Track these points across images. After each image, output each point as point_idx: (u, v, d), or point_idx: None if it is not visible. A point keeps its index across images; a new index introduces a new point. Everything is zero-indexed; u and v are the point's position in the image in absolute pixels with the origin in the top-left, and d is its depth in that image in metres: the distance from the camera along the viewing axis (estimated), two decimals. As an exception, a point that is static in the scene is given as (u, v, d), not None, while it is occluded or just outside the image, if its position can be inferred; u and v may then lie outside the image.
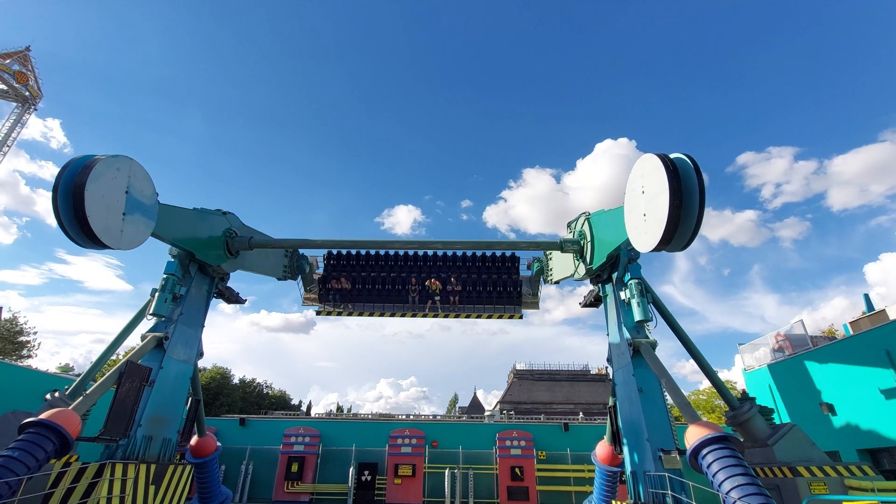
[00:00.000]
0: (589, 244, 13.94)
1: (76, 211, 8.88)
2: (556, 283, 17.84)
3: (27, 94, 53.64)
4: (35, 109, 55.58)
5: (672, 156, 8.52)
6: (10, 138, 52.45)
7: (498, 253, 19.96)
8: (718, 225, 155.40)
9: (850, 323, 17.86)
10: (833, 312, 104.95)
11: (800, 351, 18.51)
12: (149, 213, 10.95)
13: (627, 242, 12.95)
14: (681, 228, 8.28)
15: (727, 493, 7.95)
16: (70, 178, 8.99)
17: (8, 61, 51.75)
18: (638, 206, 9.35)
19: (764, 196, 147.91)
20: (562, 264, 16.85)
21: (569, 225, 15.49)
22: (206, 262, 14.19)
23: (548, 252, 18.07)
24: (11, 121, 53.00)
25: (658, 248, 8.81)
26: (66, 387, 13.43)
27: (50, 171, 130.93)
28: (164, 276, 13.09)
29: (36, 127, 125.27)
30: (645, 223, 8.99)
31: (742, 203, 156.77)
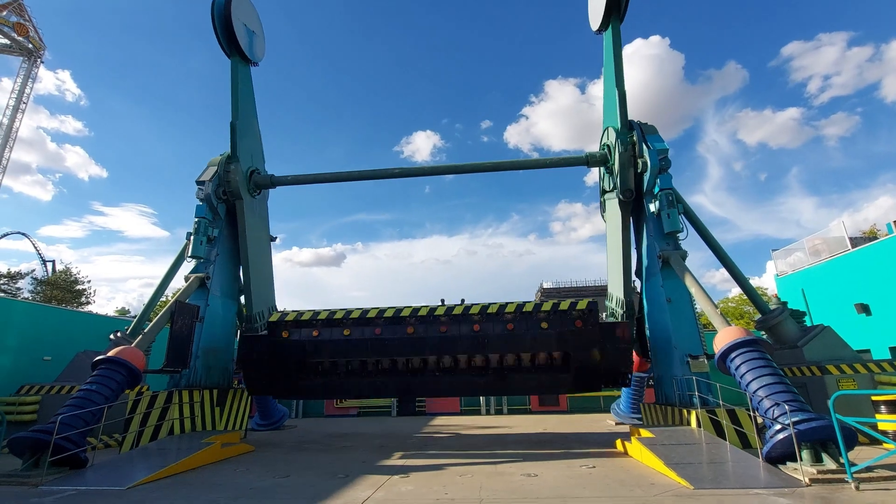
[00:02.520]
0: (616, 142, 13.48)
1: (226, 18, 14.83)
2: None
3: (30, 46, 52.62)
4: (42, 62, 54.79)
5: None
6: (25, 94, 52.43)
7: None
8: (756, 127, 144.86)
9: (895, 221, 17.00)
10: (877, 213, 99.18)
11: (838, 253, 17.98)
12: (254, 52, 16.33)
13: (658, 152, 12.46)
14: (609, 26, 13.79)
15: (754, 392, 8.21)
16: (222, 5, 14.85)
17: (4, 13, 50.24)
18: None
19: (810, 91, 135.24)
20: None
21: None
22: (236, 157, 14.70)
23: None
24: (22, 76, 52.65)
25: (605, 19, 13.88)
26: (126, 327, 14.62)
27: (72, 126, 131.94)
28: (196, 219, 13.56)
29: (49, 80, 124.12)
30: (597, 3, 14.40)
31: (785, 101, 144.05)
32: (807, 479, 6.48)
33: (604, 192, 15.40)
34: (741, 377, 8.66)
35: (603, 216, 15.99)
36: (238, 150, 14.83)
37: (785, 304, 13.59)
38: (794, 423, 7.06)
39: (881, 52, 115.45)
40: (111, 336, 13.79)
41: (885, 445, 7.96)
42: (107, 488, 7.28)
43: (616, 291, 14.43)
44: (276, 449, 11.95)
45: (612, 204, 14.55)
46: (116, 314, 38.21)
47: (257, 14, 16.97)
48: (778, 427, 7.41)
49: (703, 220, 13.39)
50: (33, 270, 46.16)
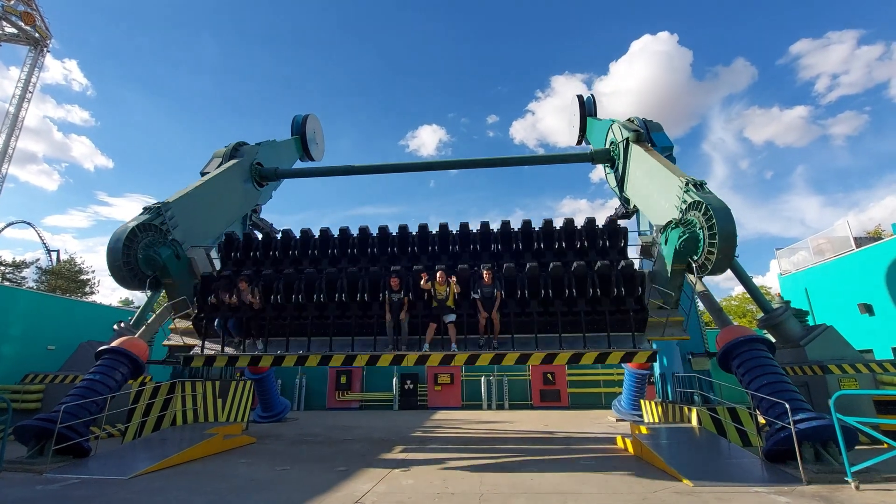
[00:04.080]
0: (621, 146, 13.31)
1: (302, 126, 19.08)
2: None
3: (37, 35, 52.56)
4: (48, 51, 54.76)
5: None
6: (31, 84, 52.45)
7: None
8: (763, 125, 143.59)
9: (902, 221, 16.92)
10: (882, 213, 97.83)
11: (842, 253, 17.89)
12: (311, 151, 19.87)
13: (662, 150, 12.39)
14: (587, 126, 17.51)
15: (755, 391, 8.20)
16: (302, 118, 19.22)
17: (11, 2, 50.16)
18: (571, 124, 18.47)
19: (818, 90, 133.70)
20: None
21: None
22: (255, 146, 16.64)
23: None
24: (28, 66, 52.62)
25: (581, 132, 17.79)
26: (130, 318, 14.68)
27: (78, 115, 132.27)
28: (199, 211, 13.54)
29: (56, 70, 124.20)
30: (572, 125, 18.32)
31: (792, 99, 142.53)
32: (806, 478, 6.48)
33: (619, 185, 14.75)
34: (742, 375, 8.65)
35: (636, 208, 14.58)
36: (260, 149, 16.35)
37: (788, 303, 13.53)
38: (795, 422, 7.04)
39: (891, 50, 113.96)
40: (115, 326, 13.85)
41: (885, 445, 7.95)
42: (110, 477, 7.35)
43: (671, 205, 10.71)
44: (278, 441, 12.03)
45: (635, 154, 12.80)
46: (120, 305, 38.39)
47: (323, 137, 21.57)
48: (778, 426, 7.41)
49: (708, 218, 13.29)
50: (38, 260, 46.51)
